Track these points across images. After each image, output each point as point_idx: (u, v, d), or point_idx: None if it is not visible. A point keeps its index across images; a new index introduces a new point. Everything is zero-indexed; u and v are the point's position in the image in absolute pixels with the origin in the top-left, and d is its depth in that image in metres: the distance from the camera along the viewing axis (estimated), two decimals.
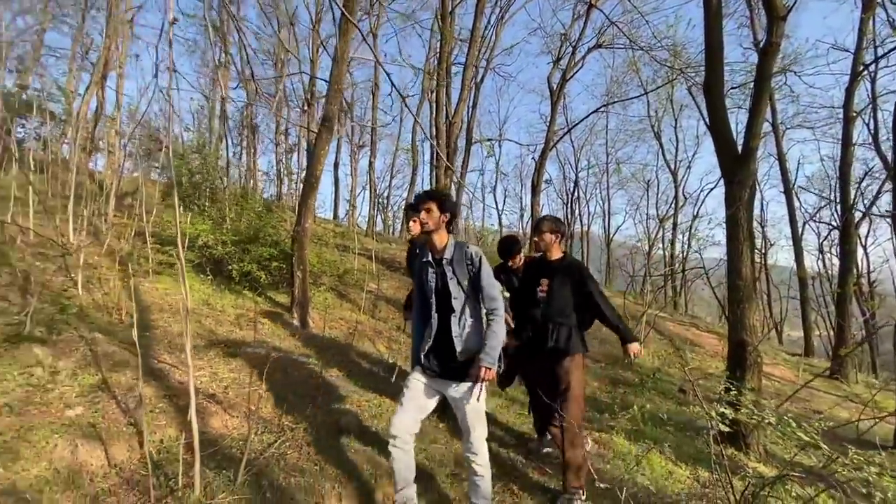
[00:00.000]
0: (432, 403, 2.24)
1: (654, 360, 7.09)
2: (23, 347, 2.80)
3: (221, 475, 2.26)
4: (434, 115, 9.12)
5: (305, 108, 17.59)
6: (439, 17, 9.01)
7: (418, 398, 2.19)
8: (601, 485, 2.34)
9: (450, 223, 2.27)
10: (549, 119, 13.67)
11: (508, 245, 3.59)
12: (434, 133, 9.43)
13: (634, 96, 14.99)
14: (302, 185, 5.18)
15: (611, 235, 22.36)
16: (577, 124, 15.46)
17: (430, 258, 2.26)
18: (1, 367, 2.59)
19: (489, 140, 22.87)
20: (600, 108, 15.61)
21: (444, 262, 2.22)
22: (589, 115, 15.19)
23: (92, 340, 3.16)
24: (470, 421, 2.13)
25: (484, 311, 2.23)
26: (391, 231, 21.32)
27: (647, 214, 21.81)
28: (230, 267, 5.10)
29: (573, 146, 21.73)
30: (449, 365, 2.15)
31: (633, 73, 15.09)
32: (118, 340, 3.30)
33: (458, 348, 2.13)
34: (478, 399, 2.10)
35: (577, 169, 22.51)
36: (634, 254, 15.58)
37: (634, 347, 2.79)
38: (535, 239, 2.92)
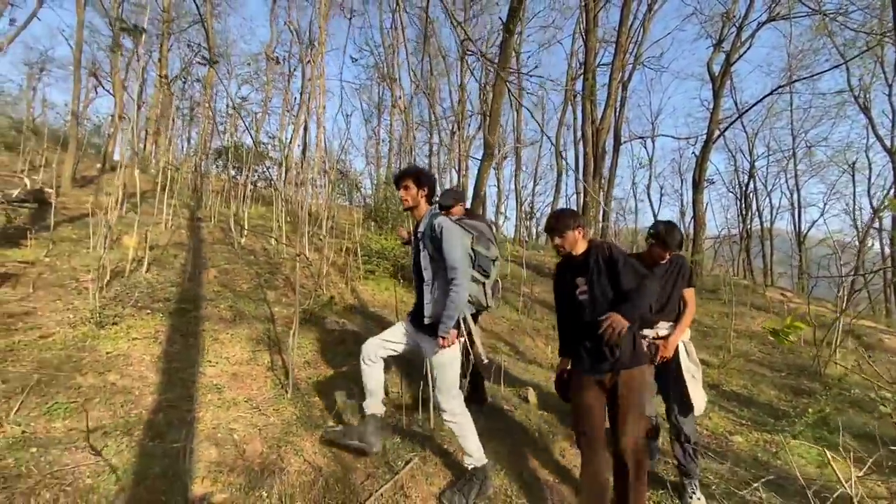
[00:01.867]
0: (402, 342, 2.50)
1: (850, 372, 6.15)
2: (309, 322, 4.24)
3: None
4: (581, 123, 9.41)
5: (456, 130, 19.36)
6: (582, 30, 9.32)
7: (393, 334, 2.51)
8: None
9: (429, 196, 2.45)
10: (711, 107, 12.54)
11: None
12: (581, 140, 9.70)
13: (829, 68, 12.62)
14: (472, 203, 6.16)
15: (803, 232, 18.85)
16: (748, 109, 13.71)
17: (414, 231, 2.52)
18: (307, 332, 4.01)
19: (641, 138, 21.62)
20: (781, 87, 13.57)
21: (419, 234, 2.40)
22: (766, 97, 13.31)
23: (342, 323, 4.53)
24: (435, 372, 2.35)
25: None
26: (537, 238, 21.74)
27: (854, 204, 17.82)
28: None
29: (745, 132, 19.10)
30: (422, 324, 2.35)
31: (824, 40, 12.79)
32: (355, 324, 4.64)
33: (427, 313, 2.31)
34: (441, 356, 2.30)
35: (751, 157, 19.66)
36: (840, 251, 13.00)
37: (612, 317, 2.03)
38: (557, 243, 2.30)
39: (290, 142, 18.84)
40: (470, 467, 2.36)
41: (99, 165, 13.39)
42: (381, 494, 2.23)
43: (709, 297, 9.85)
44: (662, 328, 2.70)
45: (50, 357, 2.71)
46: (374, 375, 2.47)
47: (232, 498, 1.98)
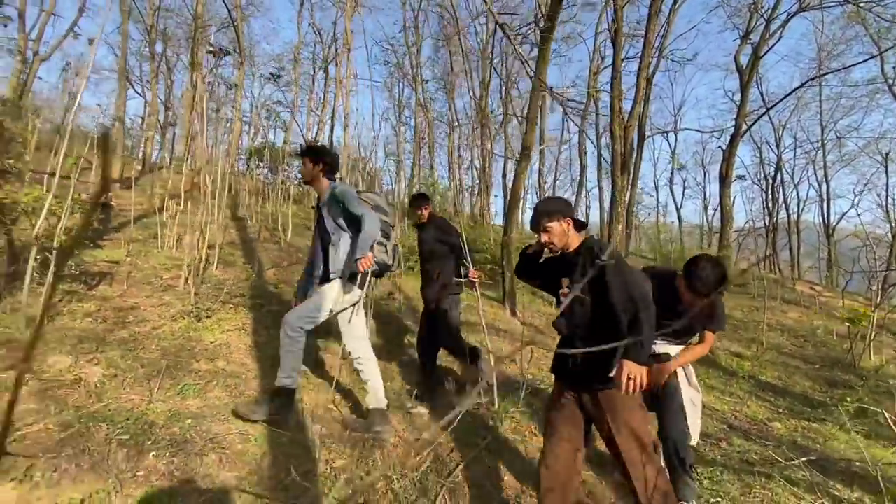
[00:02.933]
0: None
1: (886, 364, 6.27)
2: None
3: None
4: (610, 122, 9.56)
5: (477, 127, 19.53)
6: (610, 28, 9.43)
7: (307, 300, 2.71)
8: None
9: (328, 171, 2.70)
10: (739, 100, 12.49)
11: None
12: (604, 134, 9.85)
13: (863, 59, 12.39)
14: (508, 202, 6.44)
15: (832, 224, 18.55)
16: (777, 103, 13.60)
17: (316, 203, 2.84)
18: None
19: (664, 132, 21.47)
20: (811, 79, 13.40)
21: (322, 205, 2.71)
22: (796, 90, 13.18)
23: (399, 315, 4.87)
24: (339, 318, 2.66)
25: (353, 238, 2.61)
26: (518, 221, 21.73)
27: (886, 195, 17.46)
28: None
29: (772, 123, 18.81)
30: (324, 278, 2.69)
31: (857, 29, 12.58)
32: (409, 317, 4.97)
33: (331, 268, 2.63)
34: (341, 304, 2.61)
35: (778, 149, 19.38)
36: (873, 244, 12.82)
37: (626, 367, 1.64)
38: (544, 241, 1.92)
39: (316, 140, 19.37)
40: (371, 406, 2.67)
41: (139, 167, 14.08)
42: (466, 465, 2.56)
43: (738, 292, 9.95)
44: (664, 347, 2.38)
45: (168, 346, 3.12)
46: (285, 345, 2.55)
47: (348, 464, 2.33)
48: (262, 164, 15.46)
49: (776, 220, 18.93)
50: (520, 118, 13.52)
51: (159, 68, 20.12)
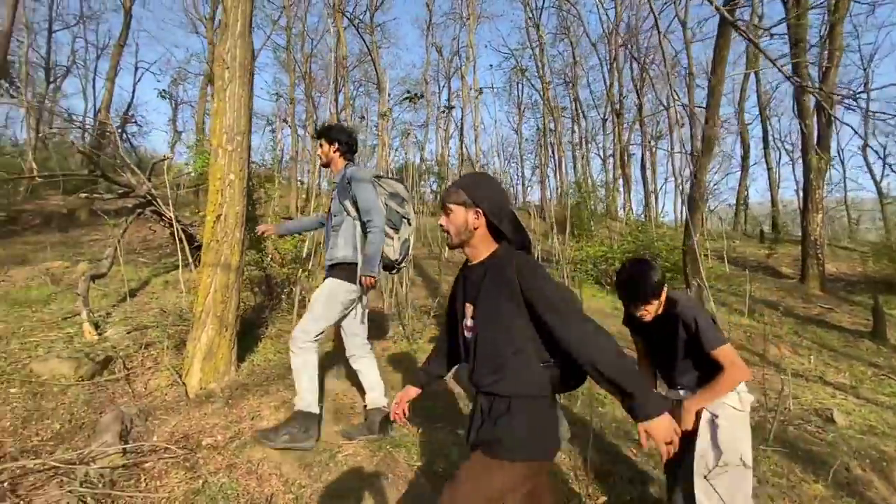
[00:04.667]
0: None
1: None
2: None
3: None
4: (796, 93, 8.13)
5: (610, 117, 18.38)
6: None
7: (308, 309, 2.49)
8: None
9: (346, 152, 2.54)
10: None
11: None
12: (797, 109, 8.42)
13: None
14: (687, 205, 5.86)
15: None
16: None
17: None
18: None
19: (853, 96, 17.58)
20: None
21: (335, 186, 2.53)
22: None
23: None
24: (309, 303, 2.44)
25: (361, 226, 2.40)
26: (702, 222, 19.27)
27: None
28: None
29: None
30: (329, 269, 2.46)
31: None
32: None
33: (328, 256, 2.45)
34: (319, 291, 2.39)
35: None
36: None
37: (650, 429, 1.16)
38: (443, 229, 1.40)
39: (442, 154, 20.28)
40: (295, 408, 2.31)
41: (304, 196, 16.30)
42: None
43: None
44: (681, 393, 1.82)
45: (392, 363, 3.48)
46: (310, 366, 2.39)
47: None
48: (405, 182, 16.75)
49: None
50: (685, 107, 12.29)
51: (311, 108, 23.03)
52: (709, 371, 1.65)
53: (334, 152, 2.56)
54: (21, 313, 3.60)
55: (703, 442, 1.68)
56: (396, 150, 18.59)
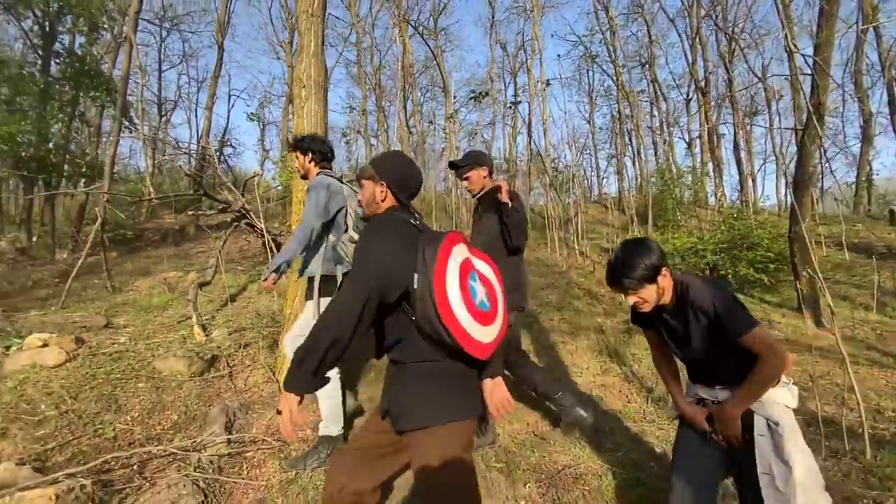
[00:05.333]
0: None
1: None
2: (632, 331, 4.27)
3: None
4: None
5: (695, 96, 16.88)
6: None
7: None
8: None
9: (321, 160, 2.42)
10: None
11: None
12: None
13: None
14: (792, 187, 5.19)
15: None
16: None
17: None
18: (639, 342, 4.06)
19: None
20: None
21: None
22: None
23: None
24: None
25: (328, 236, 2.33)
26: (812, 204, 16.84)
27: None
28: (722, 273, 5.73)
29: None
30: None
31: None
32: None
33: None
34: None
35: None
36: None
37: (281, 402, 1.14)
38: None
39: (510, 151, 19.98)
40: (321, 433, 2.26)
41: None
42: None
43: None
44: (719, 392, 1.54)
45: None
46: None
47: None
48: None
49: None
50: (786, 78, 10.94)
51: (380, 116, 23.95)
52: (749, 361, 1.38)
53: (309, 162, 2.49)
54: (145, 318, 4.15)
55: (764, 456, 1.38)
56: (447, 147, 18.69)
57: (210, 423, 2.46)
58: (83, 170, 8.07)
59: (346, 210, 2.33)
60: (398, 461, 1.32)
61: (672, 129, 19.87)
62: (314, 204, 2.26)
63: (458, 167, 2.51)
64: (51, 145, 7.31)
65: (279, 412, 1.14)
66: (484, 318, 1.23)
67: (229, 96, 25.03)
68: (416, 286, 1.16)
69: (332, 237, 2.33)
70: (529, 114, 18.87)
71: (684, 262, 6.39)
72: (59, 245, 8.02)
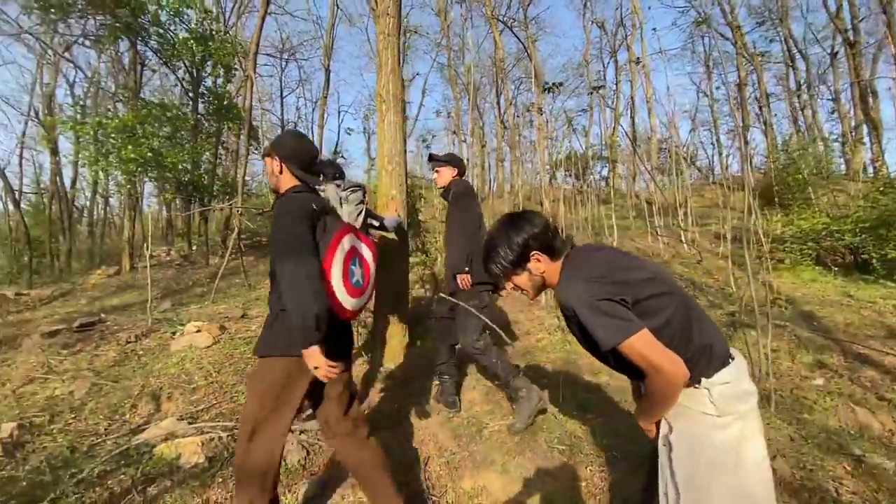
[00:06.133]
0: None
1: None
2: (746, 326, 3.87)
3: None
4: None
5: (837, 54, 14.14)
6: None
7: None
8: None
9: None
10: None
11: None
12: None
13: None
14: None
15: None
16: None
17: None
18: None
19: None
20: None
21: None
22: None
23: (788, 326, 3.91)
24: None
25: None
26: None
27: None
28: (865, 256, 4.86)
29: None
30: None
31: None
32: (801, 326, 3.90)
33: None
34: None
35: None
36: None
37: None
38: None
39: (612, 134, 18.79)
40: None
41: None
42: None
43: None
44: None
45: (554, 357, 3.51)
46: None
47: None
48: (568, 174, 16.25)
49: None
50: None
51: (474, 115, 24.23)
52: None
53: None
54: None
55: (663, 474, 1.17)
56: (561, 140, 18.06)
57: None
58: (226, 188, 9.68)
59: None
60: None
61: (816, 90, 16.91)
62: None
63: (434, 160, 2.95)
64: (202, 170, 8.91)
65: (316, 368, 1.46)
66: (355, 292, 1.65)
67: (339, 112, 27.62)
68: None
69: None
70: (632, 93, 17.61)
71: (817, 246, 5.52)
72: (212, 252, 9.72)
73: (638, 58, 15.52)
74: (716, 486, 1.08)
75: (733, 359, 1.17)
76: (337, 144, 24.95)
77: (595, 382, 3.12)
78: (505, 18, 18.17)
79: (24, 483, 2.04)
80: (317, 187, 1.98)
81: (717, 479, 1.08)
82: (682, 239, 7.37)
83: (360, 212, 2.32)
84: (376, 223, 2.63)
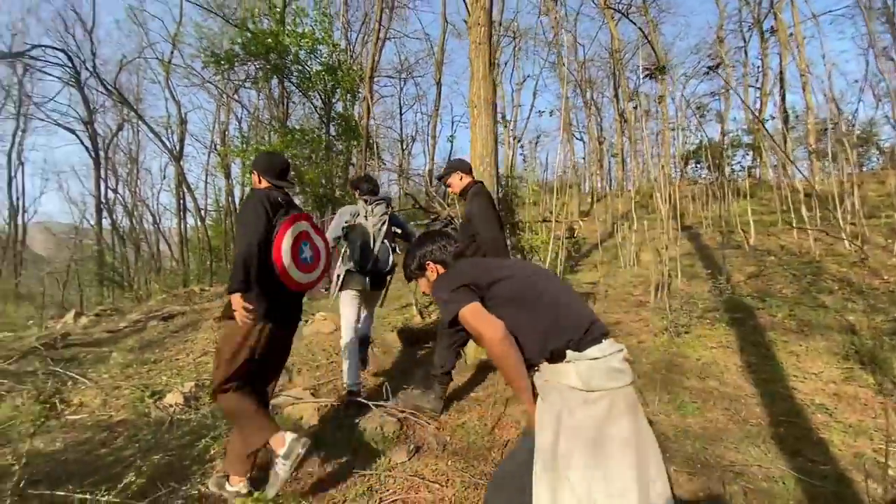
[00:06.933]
0: None
1: None
2: None
3: None
4: None
5: None
6: None
7: None
8: None
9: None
10: None
11: None
12: None
13: None
14: None
15: None
16: None
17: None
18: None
19: None
20: None
21: None
22: None
23: None
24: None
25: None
26: None
27: None
28: None
29: None
30: None
31: None
32: None
33: None
34: None
35: None
36: None
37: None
38: None
39: (759, 117, 16.23)
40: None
41: (589, 200, 16.53)
42: None
43: None
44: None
45: (656, 359, 3.30)
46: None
47: None
48: (699, 166, 14.54)
49: None
50: None
51: (591, 111, 23.17)
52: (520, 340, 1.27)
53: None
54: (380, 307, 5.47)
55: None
56: (693, 130, 16.22)
57: (412, 381, 3.22)
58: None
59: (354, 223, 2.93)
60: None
61: None
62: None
63: (440, 178, 3.05)
64: (334, 184, 10.18)
65: (235, 311, 1.82)
66: (304, 267, 2.01)
67: (452, 122, 28.74)
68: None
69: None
70: (781, 66, 15.07)
71: None
72: None
73: (813, 15, 13.23)
74: (575, 458, 1.11)
75: (607, 337, 1.25)
76: (450, 153, 26.03)
77: (698, 387, 2.88)
78: (620, 6, 17.08)
79: (195, 423, 2.69)
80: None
81: (578, 450, 1.12)
82: (844, 234, 6.13)
83: (384, 222, 2.91)
84: (400, 231, 3.07)
